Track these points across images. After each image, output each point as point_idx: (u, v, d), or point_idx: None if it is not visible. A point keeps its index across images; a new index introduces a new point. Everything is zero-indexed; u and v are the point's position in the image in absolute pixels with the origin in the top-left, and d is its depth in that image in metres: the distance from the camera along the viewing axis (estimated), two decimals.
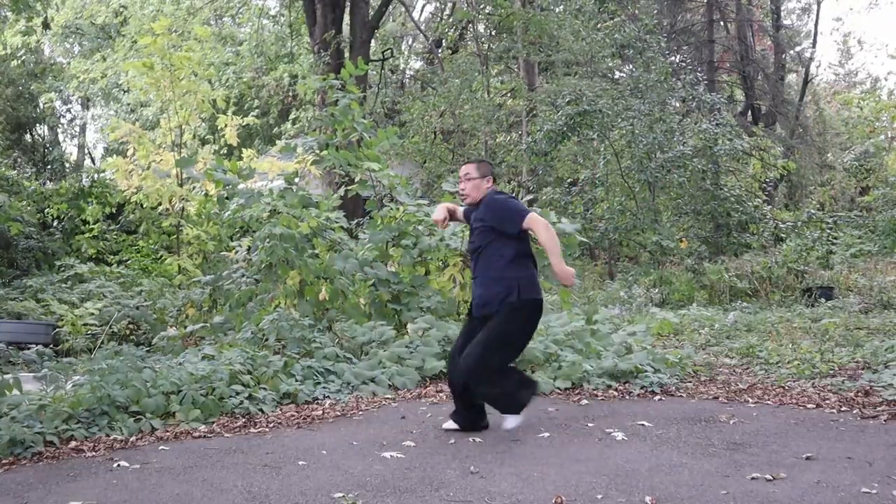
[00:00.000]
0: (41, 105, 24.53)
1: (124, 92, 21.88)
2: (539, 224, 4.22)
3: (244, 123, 12.39)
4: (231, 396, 4.95)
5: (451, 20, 24.35)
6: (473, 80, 18.66)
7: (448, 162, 19.21)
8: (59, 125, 28.73)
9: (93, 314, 8.27)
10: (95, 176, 13.28)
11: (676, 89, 15.34)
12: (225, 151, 17.18)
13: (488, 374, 4.18)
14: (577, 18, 17.01)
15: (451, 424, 4.37)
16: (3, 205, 11.00)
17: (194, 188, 11.03)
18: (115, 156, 13.41)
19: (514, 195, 4.97)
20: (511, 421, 4.28)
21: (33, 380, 5.24)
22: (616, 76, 19.55)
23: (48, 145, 26.55)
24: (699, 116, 15.84)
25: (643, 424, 4.46)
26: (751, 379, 5.90)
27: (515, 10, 18.46)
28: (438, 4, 26.69)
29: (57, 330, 8.22)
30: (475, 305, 4.38)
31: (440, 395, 5.56)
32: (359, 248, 7.81)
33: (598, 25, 17.69)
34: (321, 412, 5.00)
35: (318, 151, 7.78)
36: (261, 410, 4.96)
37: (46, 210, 13.05)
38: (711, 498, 3.13)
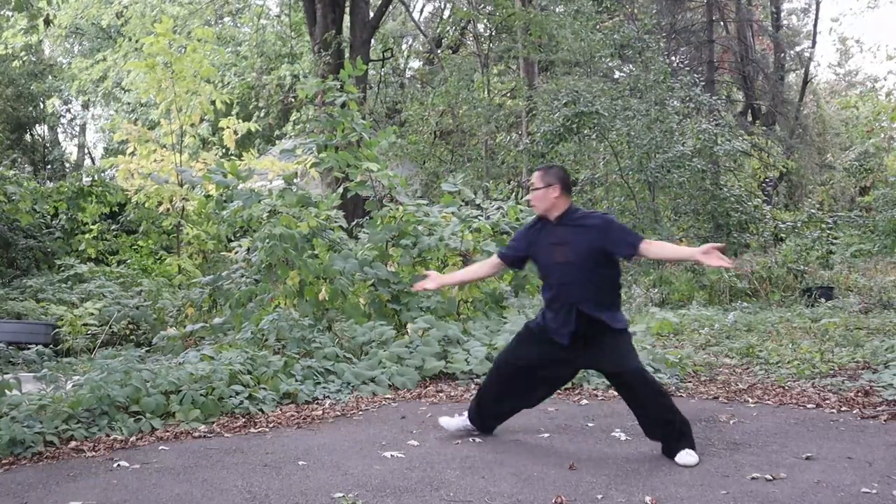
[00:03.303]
0: (42, 105, 24.52)
1: (125, 91, 21.85)
2: None
3: (244, 130, 12.31)
4: (231, 396, 4.94)
5: (451, 20, 24.34)
6: (473, 80, 18.67)
7: (447, 162, 19.21)
8: (59, 125, 28.72)
9: (92, 314, 8.25)
10: (95, 175, 13.23)
11: (676, 89, 15.34)
12: (224, 151, 17.16)
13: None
14: (577, 20, 17.02)
15: None
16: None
17: (195, 188, 11.01)
18: (116, 155, 13.37)
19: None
20: None
21: (33, 380, 5.23)
22: (616, 76, 19.55)
23: (48, 145, 26.55)
24: (699, 119, 15.84)
25: None
26: (751, 379, 5.90)
27: (516, 10, 18.45)
28: (438, 4, 26.70)
29: (57, 330, 8.20)
30: None
31: (440, 395, 5.56)
32: (358, 248, 7.81)
33: (598, 26, 17.70)
34: (321, 412, 4.99)
35: (317, 153, 7.77)
36: (261, 410, 4.95)
37: (46, 210, 13.04)
38: (711, 498, 3.13)
